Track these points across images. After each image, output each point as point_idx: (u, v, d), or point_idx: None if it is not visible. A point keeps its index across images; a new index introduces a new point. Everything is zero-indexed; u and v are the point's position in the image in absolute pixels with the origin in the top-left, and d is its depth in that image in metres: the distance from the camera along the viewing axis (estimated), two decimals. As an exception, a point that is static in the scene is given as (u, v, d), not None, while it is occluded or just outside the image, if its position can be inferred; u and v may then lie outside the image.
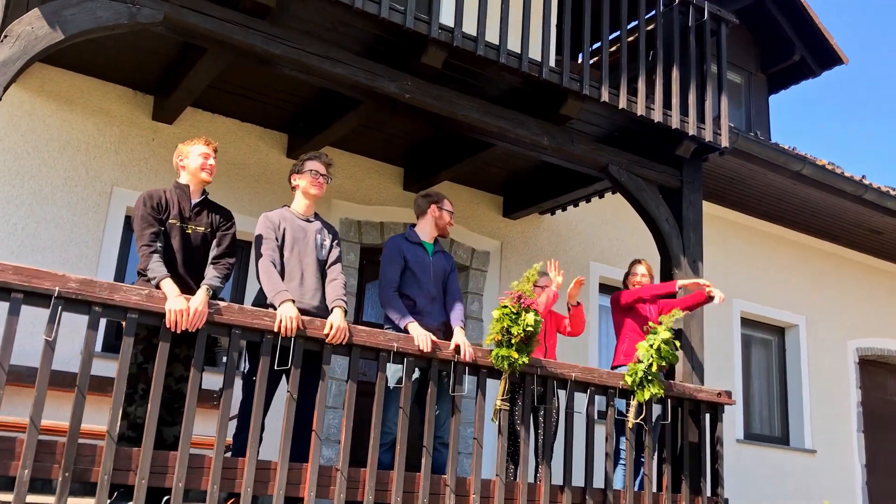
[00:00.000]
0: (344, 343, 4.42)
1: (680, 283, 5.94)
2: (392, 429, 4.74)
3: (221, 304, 4.19)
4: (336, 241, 4.88)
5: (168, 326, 3.97)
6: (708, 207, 9.50)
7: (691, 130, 6.25)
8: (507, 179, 7.98)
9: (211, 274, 4.30)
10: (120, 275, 6.31)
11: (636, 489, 5.53)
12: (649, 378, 5.36)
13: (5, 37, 4.12)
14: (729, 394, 5.94)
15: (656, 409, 5.69)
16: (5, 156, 5.89)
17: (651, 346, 5.41)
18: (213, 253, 4.45)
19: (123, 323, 3.95)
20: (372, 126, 6.84)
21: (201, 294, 4.11)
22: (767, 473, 9.36)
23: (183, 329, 3.99)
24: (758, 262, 9.97)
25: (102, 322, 4.23)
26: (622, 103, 5.92)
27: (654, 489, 5.49)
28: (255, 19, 4.87)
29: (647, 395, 5.35)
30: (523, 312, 4.83)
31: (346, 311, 4.53)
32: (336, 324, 4.38)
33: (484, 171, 7.74)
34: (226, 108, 6.75)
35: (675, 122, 6.18)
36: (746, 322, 9.85)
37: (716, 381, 9.00)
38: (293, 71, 5.11)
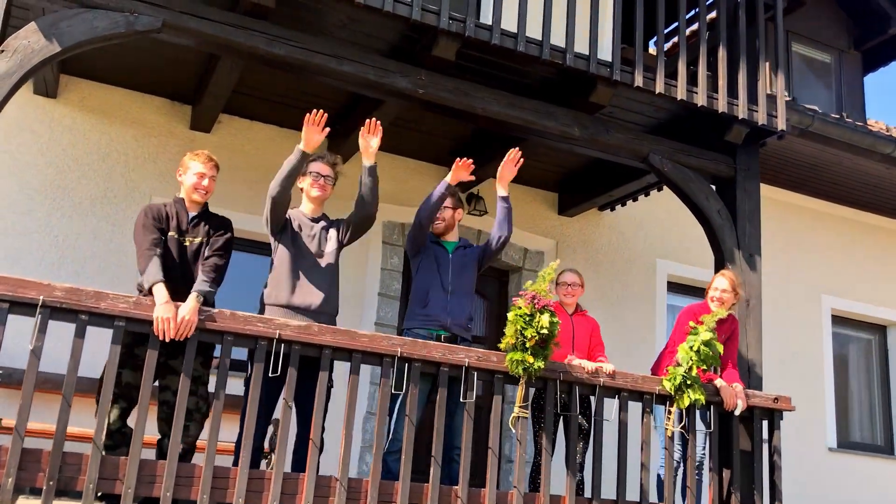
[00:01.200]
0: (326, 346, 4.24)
1: (718, 384, 5.24)
2: (400, 434, 4.56)
3: (213, 310, 4.12)
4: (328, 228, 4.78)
5: (156, 334, 3.92)
6: (789, 197, 8.90)
7: (741, 114, 5.77)
8: (562, 176, 7.66)
9: (199, 279, 4.23)
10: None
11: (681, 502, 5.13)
12: (689, 383, 4.95)
13: (2, 51, 4.19)
14: (788, 399, 5.43)
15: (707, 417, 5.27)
16: (47, 170, 6.07)
17: (691, 347, 4.99)
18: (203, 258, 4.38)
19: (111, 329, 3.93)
20: (409, 125, 6.69)
21: (191, 301, 4.04)
22: (865, 484, 8.59)
23: (171, 338, 3.93)
24: (850, 254, 9.20)
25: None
26: (659, 87, 5.52)
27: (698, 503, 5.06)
28: (257, 20, 4.80)
29: (686, 402, 4.95)
30: (538, 314, 4.54)
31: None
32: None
33: (535, 168, 7.44)
34: (263, 114, 6.75)
35: (721, 106, 5.72)
36: (839, 320, 9.09)
37: (802, 385, 8.40)
38: (299, 72, 5.01)
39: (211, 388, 5.31)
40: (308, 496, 4.10)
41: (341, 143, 6.71)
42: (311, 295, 4.52)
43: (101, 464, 3.79)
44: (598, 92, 5.45)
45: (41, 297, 3.78)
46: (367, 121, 4.64)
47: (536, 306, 4.54)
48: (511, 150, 5.07)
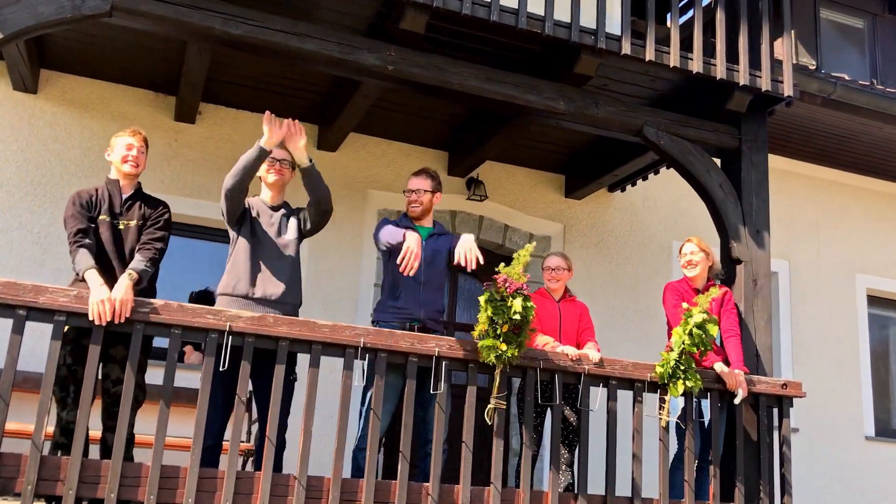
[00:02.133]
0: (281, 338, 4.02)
1: (718, 368, 4.87)
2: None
3: (159, 302, 3.92)
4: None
5: (92, 320, 3.74)
6: (817, 171, 8.42)
7: (742, 80, 5.37)
8: (568, 156, 7.33)
9: (136, 258, 4.05)
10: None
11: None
12: (682, 368, 4.60)
13: (-60, 41, 4.06)
14: (798, 385, 5.04)
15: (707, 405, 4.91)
16: (28, 166, 5.99)
17: (684, 331, 4.65)
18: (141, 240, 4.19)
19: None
20: (401, 108, 6.45)
21: (123, 281, 3.85)
22: (907, 474, 8.08)
23: (108, 321, 3.74)
24: (885, 230, 8.65)
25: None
26: (649, 55, 5.16)
27: (696, 497, 4.71)
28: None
29: (680, 390, 4.60)
30: (510, 298, 4.24)
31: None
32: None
33: (538, 149, 7.14)
34: (248, 102, 6.56)
35: (719, 72, 5.33)
36: (876, 301, 8.56)
37: (837, 370, 7.92)
38: (260, 53, 4.80)
39: (186, 380, 5.23)
40: (264, 496, 3.89)
41: (328, 128, 6.51)
42: (271, 285, 4.30)
43: (42, 464, 3.63)
44: (583, 62, 5.11)
45: (-27, 293, 3.64)
46: (287, 121, 4.33)
47: (508, 290, 4.25)
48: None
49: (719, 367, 4.85)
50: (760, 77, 5.43)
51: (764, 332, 5.32)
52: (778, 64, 5.54)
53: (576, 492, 4.54)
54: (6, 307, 3.70)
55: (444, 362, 4.30)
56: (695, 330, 4.60)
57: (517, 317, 4.22)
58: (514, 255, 4.38)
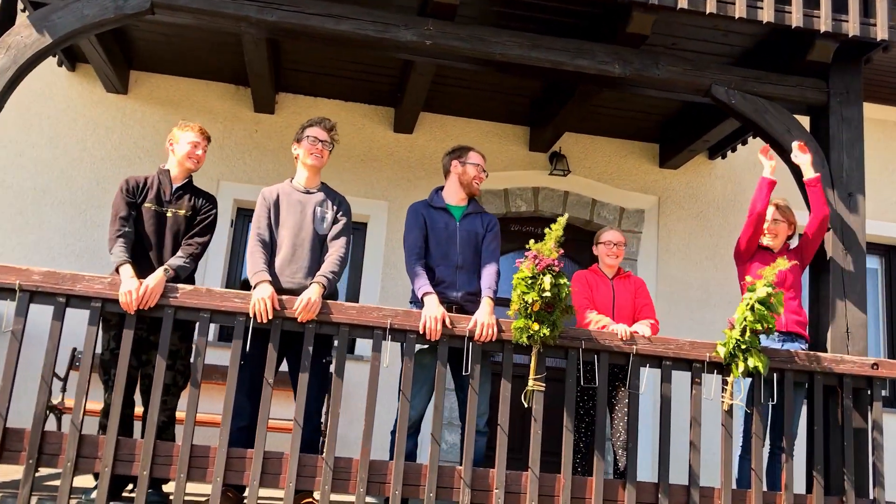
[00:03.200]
0: (309, 320, 4.03)
1: (767, 169, 4.63)
2: (412, 414, 4.25)
3: (187, 287, 4.04)
4: (341, 213, 4.47)
5: (124, 309, 3.91)
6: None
7: (823, 26, 4.81)
8: (661, 123, 6.92)
9: (177, 254, 4.18)
10: (231, 263, 6.50)
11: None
12: (743, 347, 4.21)
13: (-3, 49, 4.37)
14: (893, 365, 4.49)
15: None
16: (121, 163, 6.36)
17: (747, 305, 4.25)
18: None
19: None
20: (470, 85, 6.32)
21: (157, 274, 3.99)
22: None
23: (136, 308, 3.90)
24: None
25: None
26: (710, 7, 4.73)
27: (766, 487, 4.32)
28: (245, -12, 4.65)
29: (741, 370, 4.22)
30: (540, 276, 4.04)
31: (325, 288, 4.12)
32: (305, 298, 4.01)
33: (629, 117, 6.78)
34: (324, 89, 6.66)
35: (794, 20, 4.79)
36: None
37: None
38: (296, 37, 4.81)
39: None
40: (291, 475, 3.93)
41: (401, 110, 6.47)
42: (300, 273, 4.30)
43: (80, 443, 3.85)
44: (636, 20, 4.76)
45: (18, 282, 3.89)
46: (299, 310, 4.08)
47: (538, 268, 4.04)
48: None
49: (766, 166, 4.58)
50: (847, 21, 4.85)
51: (857, 306, 4.77)
52: (868, 3, 4.92)
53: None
54: (47, 295, 3.94)
55: (478, 343, 4.17)
56: (757, 305, 4.20)
57: (547, 294, 4.01)
58: (546, 230, 4.16)
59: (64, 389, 5.61)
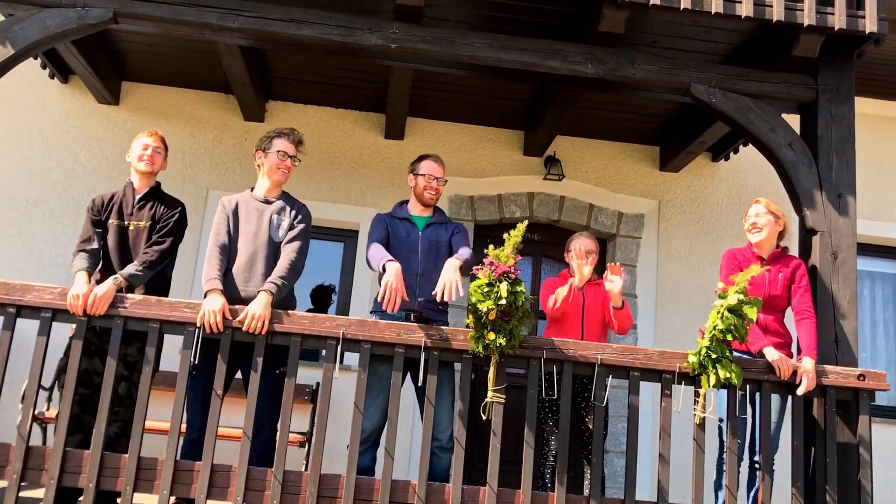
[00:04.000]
0: (262, 332, 3.95)
1: (769, 355, 4.20)
2: (367, 426, 4.15)
3: (137, 297, 3.99)
4: (299, 218, 4.38)
5: (72, 312, 3.88)
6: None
7: (806, 20, 4.58)
8: (662, 126, 6.71)
9: (132, 263, 4.14)
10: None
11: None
12: (713, 357, 4.01)
13: (-41, 62, 4.40)
14: (881, 376, 4.23)
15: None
16: (111, 174, 6.39)
17: (717, 313, 4.05)
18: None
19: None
20: (461, 90, 6.20)
21: (107, 283, 3.96)
22: None
23: (85, 314, 3.87)
24: None
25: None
26: (685, 2, 4.54)
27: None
28: (207, -5, 4.62)
29: (712, 381, 4.02)
30: (496, 283, 3.90)
31: (273, 295, 4.03)
32: (251, 311, 3.93)
33: (626, 119, 6.58)
34: (314, 96, 6.61)
35: (776, 14, 4.57)
36: None
37: None
38: (255, 41, 4.76)
39: (311, 377, 5.29)
40: (238, 489, 3.85)
41: (390, 116, 6.40)
42: (254, 281, 4.22)
43: (27, 454, 3.83)
44: (607, 18, 4.59)
45: (-33, 293, 3.90)
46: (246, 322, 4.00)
47: (494, 274, 3.90)
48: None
49: (771, 353, 4.18)
50: (832, 14, 4.61)
51: (846, 314, 4.52)
52: (855, -5, 4.68)
53: (586, 494, 4.10)
54: (2, 307, 3.94)
55: (433, 353, 4.05)
56: (726, 314, 3.99)
57: (503, 302, 3.86)
58: (505, 236, 4.02)
59: (49, 399, 5.64)
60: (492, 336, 3.92)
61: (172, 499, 3.90)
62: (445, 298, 4.00)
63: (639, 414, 4.12)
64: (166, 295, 4.48)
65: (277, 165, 4.37)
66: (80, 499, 4.12)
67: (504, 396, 4.05)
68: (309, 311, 5.78)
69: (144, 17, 4.58)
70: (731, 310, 3.99)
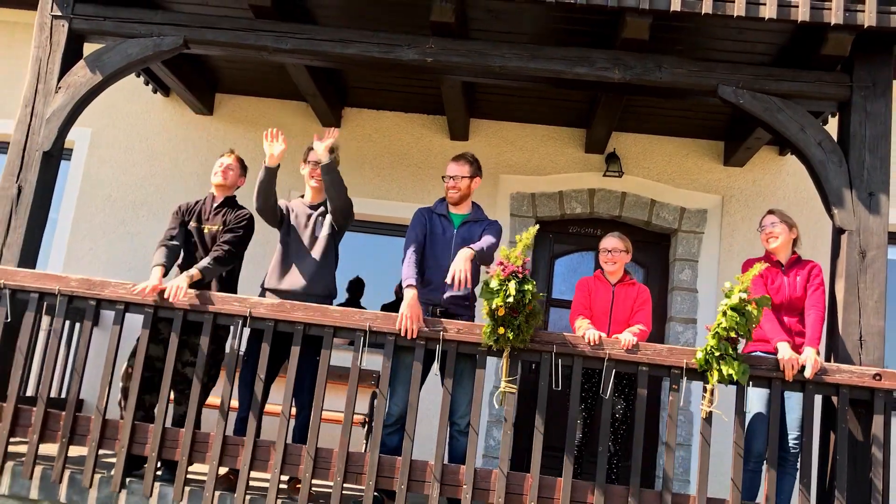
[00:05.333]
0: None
1: (781, 352, 4.33)
2: (395, 410, 4.56)
3: (194, 291, 4.56)
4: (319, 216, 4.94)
5: (142, 300, 4.51)
6: None
7: (833, 19, 4.58)
8: (727, 120, 6.71)
9: (205, 258, 4.72)
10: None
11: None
12: (717, 354, 4.15)
13: (59, 88, 5.12)
14: (900, 376, 4.23)
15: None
16: (206, 178, 7.04)
17: (722, 312, 4.18)
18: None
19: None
20: (519, 92, 6.48)
21: (182, 276, 4.56)
22: None
23: (164, 299, 4.48)
24: None
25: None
26: (706, 8, 4.64)
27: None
28: (265, 21, 5.12)
29: (716, 378, 4.17)
30: (506, 282, 4.21)
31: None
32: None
33: (690, 115, 6.64)
34: (387, 103, 7.06)
35: (801, 14, 4.59)
36: None
37: None
38: (307, 60, 5.24)
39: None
40: (277, 462, 4.35)
41: (453, 119, 6.75)
42: (297, 279, 4.74)
43: (104, 426, 4.49)
44: (630, 25, 4.75)
45: (58, 287, 4.59)
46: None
47: (503, 274, 4.22)
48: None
49: (783, 350, 4.28)
50: (862, 11, 4.58)
51: (873, 314, 4.51)
52: (886, -10, 4.61)
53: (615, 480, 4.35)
54: (83, 299, 4.62)
55: (452, 346, 4.40)
56: (729, 312, 4.12)
57: (511, 300, 4.17)
58: (517, 238, 4.32)
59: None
60: (502, 331, 4.24)
61: (224, 469, 4.46)
62: (455, 287, 4.35)
63: (653, 406, 4.31)
64: (234, 291, 5.04)
65: (311, 173, 4.95)
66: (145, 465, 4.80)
67: (516, 387, 4.36)
68: (343, 303, 6.30)
69: (211, 42, 5.16)
70: (734, 308, 4.12)
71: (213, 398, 5.67)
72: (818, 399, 4.49)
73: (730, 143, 6.84)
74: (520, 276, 4.20)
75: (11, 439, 4.55)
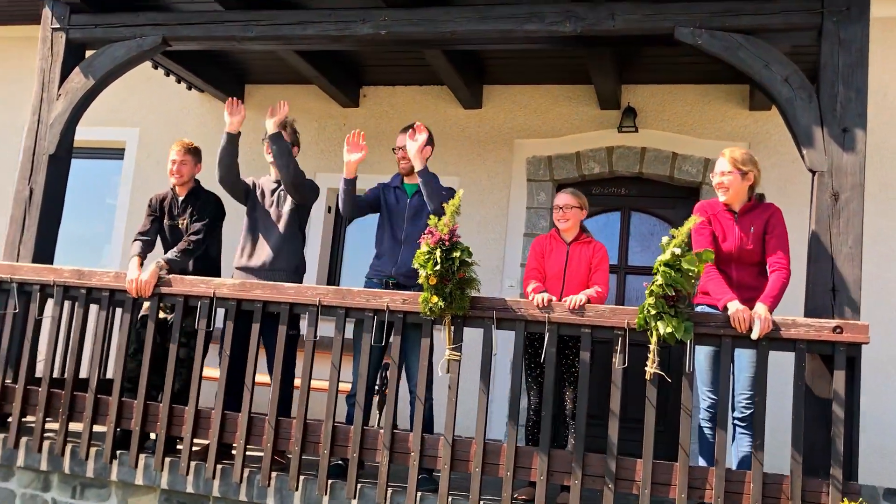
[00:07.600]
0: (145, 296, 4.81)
1: (732, 309, 4.03)
2: (355, 380, 4.67)
3: (171, 276, 4.85)
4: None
5: (129, 294, 4.86)
6: None
7: (788, -62, 4.19)
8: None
9: (172, 249, 5.00)
10: (332, 245, 7.26)
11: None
12: (653, 313, 3.96)
13: (59, 95, 5.56)
14: (862, 328, 3.86)
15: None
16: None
17: (657, 268, 3.98)
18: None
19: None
20: (526, 53, 6.35)
21: (150, 268, 4.86)
22: None
23: (137, 296, 4.81)
24: None
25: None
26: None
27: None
28: (233, 12, 5.31)
29: (655, 337, 3.97)
30: (433, 251, 4.20)
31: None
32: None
33: (705, 61, 6.24)
34: (403, 77, 7.10)
35: (749, -61, 4.24)
36: None
37: None
38: (272, 45, 5.39)
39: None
40: (269, 435, 4.56)
41: (466, 88, 6.71)
42: (263, 254, 4.93)
43: (96, 403, 4.89)
44: (573, -29, 4.56)
45: (53, 279, 5.03)
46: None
47: (430, 242, 4.21)
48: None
49: (732, 305, 4.01)
50: (820, -74, 4.16)
51: (847, 261, 4.13)
52: None
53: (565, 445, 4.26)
54: (76, 288, 5.03)
55: (399, 316, 4.44)
56: (663, 268, 3.91)
57: (438, 268, 4.16)
58: (445, 205, 4.29)
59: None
60: (434, 299, 4.23)
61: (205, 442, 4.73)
62: (410, 135, 4.69)
63: (589, 369, 4.18)
64: (217, 273, 5.31)
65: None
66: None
67: (460, 354, 4.34)
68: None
69: (187, 37, 5.42)
70: (667, 264, 3.90)
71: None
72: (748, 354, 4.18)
73: (755, 86, 6.36)
74: (447, 243, 4.18)
75: (30, 417, 5.06)
